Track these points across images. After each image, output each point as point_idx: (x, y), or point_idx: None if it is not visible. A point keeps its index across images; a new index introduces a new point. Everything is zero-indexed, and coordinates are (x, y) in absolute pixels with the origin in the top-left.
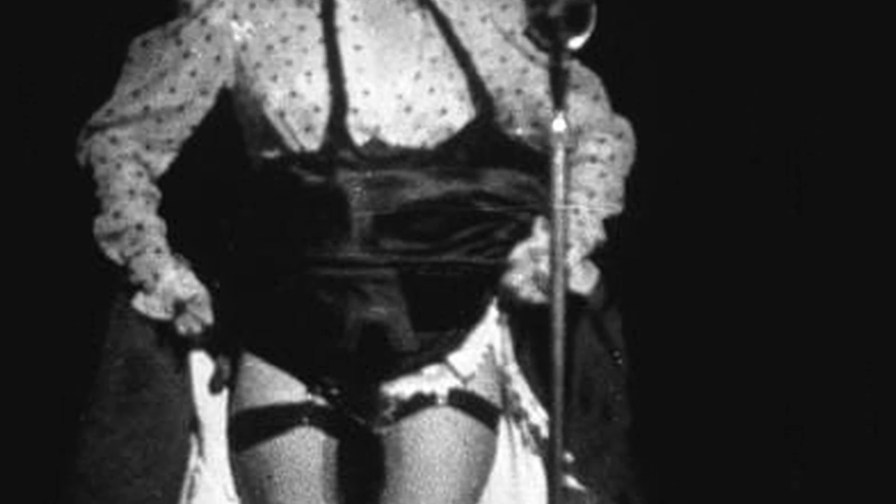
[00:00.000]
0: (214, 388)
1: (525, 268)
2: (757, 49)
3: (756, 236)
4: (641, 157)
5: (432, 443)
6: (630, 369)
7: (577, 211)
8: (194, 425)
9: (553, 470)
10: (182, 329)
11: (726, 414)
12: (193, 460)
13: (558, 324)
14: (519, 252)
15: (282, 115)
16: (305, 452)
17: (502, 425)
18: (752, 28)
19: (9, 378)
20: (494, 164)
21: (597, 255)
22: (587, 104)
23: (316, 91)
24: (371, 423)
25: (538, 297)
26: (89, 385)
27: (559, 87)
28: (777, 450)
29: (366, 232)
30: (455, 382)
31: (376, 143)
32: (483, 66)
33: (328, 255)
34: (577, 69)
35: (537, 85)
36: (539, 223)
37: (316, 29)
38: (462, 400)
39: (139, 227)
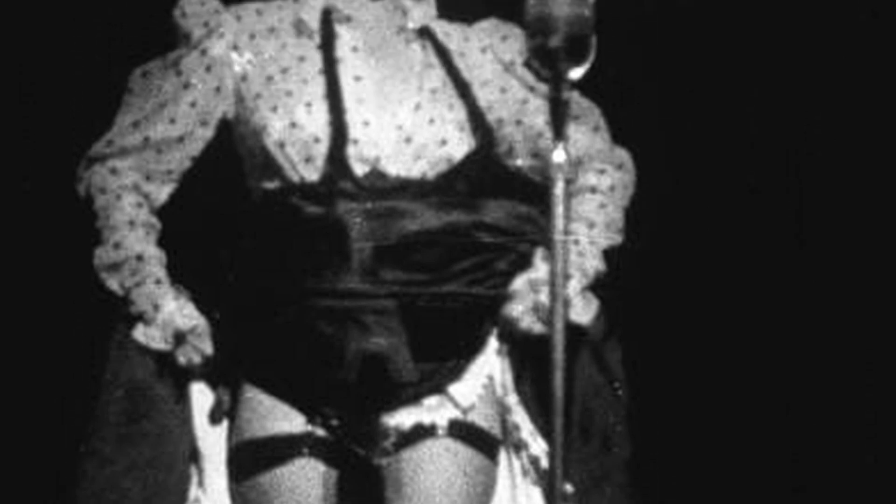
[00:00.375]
0: (214, 418)
1: (525, 299)
2: (757, 81)
3: (756, 268)
4: (641, 188)
5: (432, 474)
6: (630, 400)
7: (577, 242)
8: (194, 456)
9: (553, 501)
10: (182, 360)
11: (727, 445)
12: (193, 491)
13: (558, 354)
14: (519, 283)
15: (282, 145)
16: (305, 483)
17: (502, 456)
18: (752, 61)
19: (10, 408)
20: (494, 194)
21: (597, 286)
22: (587, 135)
23: (316, 122)
24: (371, 454)
25: (538, 327)
26: (89, 416)
27: (559, 117)
28: (779, 481)
29: (366, 263)
30: (455, 413)
31: (376, 174)
32: (483, 96)
33: (328, 286)
34: (577, 100)
35: (537, 116)
36: (539, 254)
37: (316, 60)
38: (462, 431)
39: (139, 257)
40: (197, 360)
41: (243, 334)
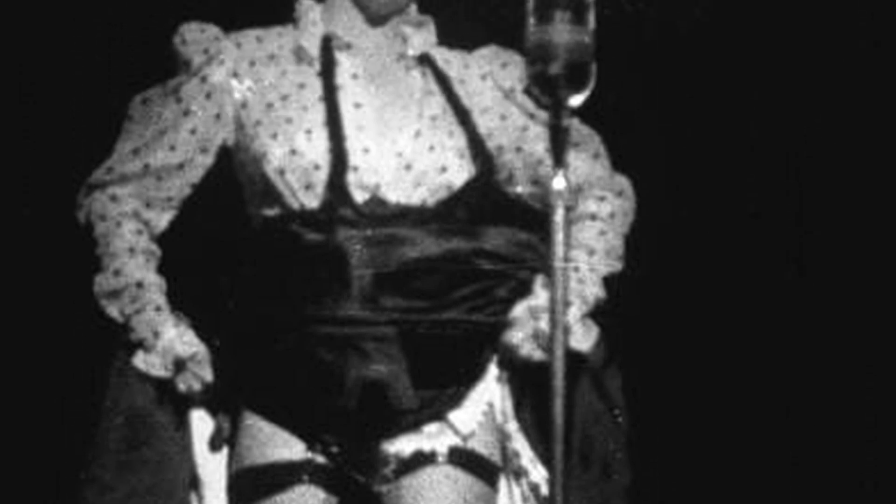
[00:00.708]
0: (214, 445)
1: (525, 326)
2: (757, 108)
3: (756, 294)
4: (641, 215)
5: (432, 500)
6: (630, 427)
7: (577, 269)
8: (194, 483)
9: None
10: (182, 387)
11: (727, 472)
12: None
13: (558, 382)
14: (519, 310)
15: (282, 172)
16: None
17: (502, 483)
18: (752, 88)
19: (11, 434)
20: (494, 221)
21: (597, 313)
22: (587, 162)
23: (316, 149)
24: (371, 481)
25: (538, 354)
26: (89, 443)
27: (559, 144)
28: None
29: (366, 290)
30: (455, 440)
31: (376, 201)
32: (483, 123)
33: (328, 313)
34: (577, 127)
35: (537, 143)
36: (539, 281)
37: (316, 87)
38: (462, 458)
39: (139, 284)
40: (197, 387)
41: (243, 361)
